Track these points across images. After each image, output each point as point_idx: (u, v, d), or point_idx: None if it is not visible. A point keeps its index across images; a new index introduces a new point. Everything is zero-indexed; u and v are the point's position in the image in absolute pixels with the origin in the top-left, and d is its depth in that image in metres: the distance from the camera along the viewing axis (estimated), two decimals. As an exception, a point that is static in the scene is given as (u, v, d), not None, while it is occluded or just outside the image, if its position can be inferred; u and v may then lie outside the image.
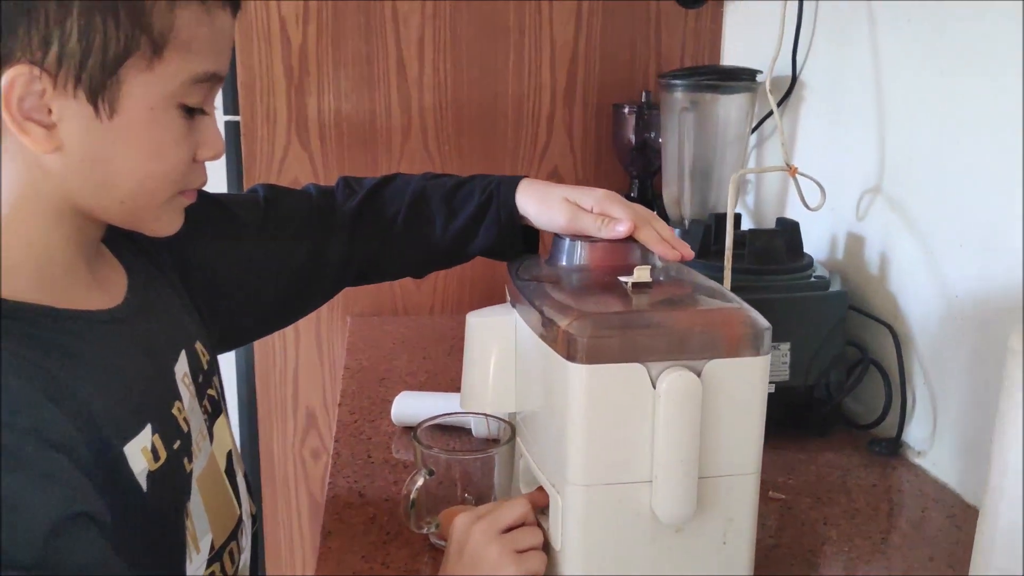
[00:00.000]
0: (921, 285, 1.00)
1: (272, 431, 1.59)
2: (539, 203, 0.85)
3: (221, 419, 0.79)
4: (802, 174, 1.09)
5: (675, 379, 0.65)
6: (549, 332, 0.68)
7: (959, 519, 0.89)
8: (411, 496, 0.78)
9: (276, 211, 0.88)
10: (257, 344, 1.56)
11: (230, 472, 0.78)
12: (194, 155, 0.67)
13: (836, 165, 1.16)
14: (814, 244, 1.18)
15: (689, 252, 0.79)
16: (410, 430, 1.08)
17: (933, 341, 0.98)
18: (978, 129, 0.91)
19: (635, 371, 0.65)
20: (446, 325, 1.51)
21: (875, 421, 1.05)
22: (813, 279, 1.06)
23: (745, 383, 0.68)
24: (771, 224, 1.22)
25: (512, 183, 0.88)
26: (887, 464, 1.01)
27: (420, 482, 0.78)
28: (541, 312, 0.70)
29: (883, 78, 1.07)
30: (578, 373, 0.65)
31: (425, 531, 0.81)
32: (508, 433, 0.82)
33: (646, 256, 0.80)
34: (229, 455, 0.78)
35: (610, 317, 0.68)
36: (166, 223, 0.69)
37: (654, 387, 0.65)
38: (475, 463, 0.82)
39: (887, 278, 1.07)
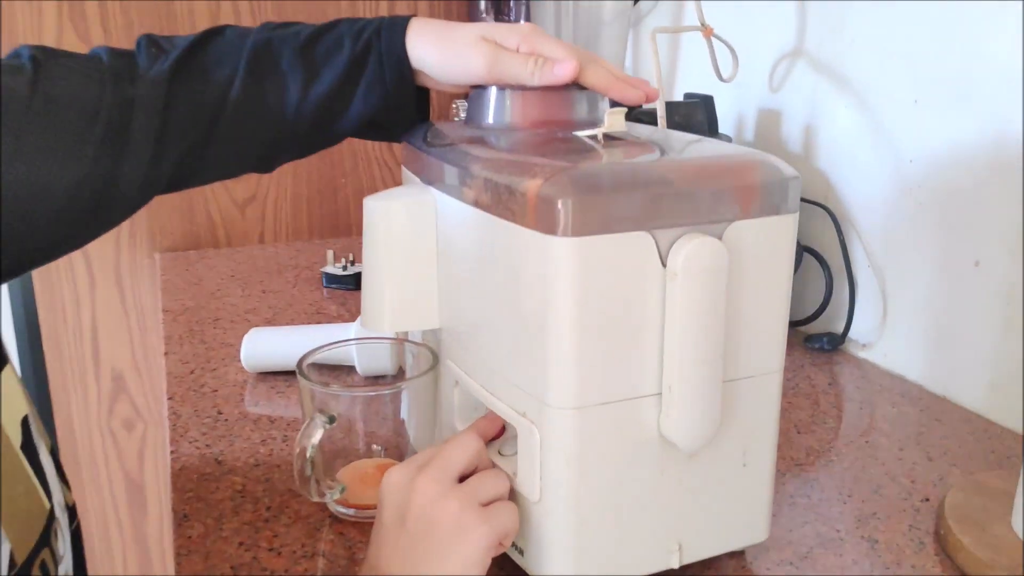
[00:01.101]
0: (862, 157, 0.88)
1: (69, 402, 1.28)
2: (443, 46, 0.63)
3: (7, 372, 0.53)
4: (716, 36, 0.93)
5: (695, 249, 0.47)
6: (510, 202, 0.48)
7: (935, 412, 0.79)
8: (309, 454, 0.56)
9: (51, 80, 0.60)
10: (40, 296, 1.24)
11: (29, 449, 0.53)
12: None
13: (742, 32, 1.02)
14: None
15: (653, 90, 0.61)
16: (269, 376, 0.84)
17: (879, 218, 0.87)
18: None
19: (639, 242, 0.47)
20: (285, 254, 1.26)
21: (812, 315, 0.92)
22: (737, 158, 0.92)
23: (771, 251, 0.51)
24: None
25: (399, 24, 0.64)
26: (831, 361, 0.89)
27: (319, 434, 0.57)
28: (489, 179, 0.50)
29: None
30: (562, 250, 0.45)
31: (327, 498, 0.60)
32: (429, 359, 0.62)
33: (595, 104, 0.61)
34: (25, 423, 0.53)
35: (599, 172, 0.49)
36: None
37: (664, 264, 0.47)
38: (388, 400, 0.61)
39: (815, 154, 0.94)
